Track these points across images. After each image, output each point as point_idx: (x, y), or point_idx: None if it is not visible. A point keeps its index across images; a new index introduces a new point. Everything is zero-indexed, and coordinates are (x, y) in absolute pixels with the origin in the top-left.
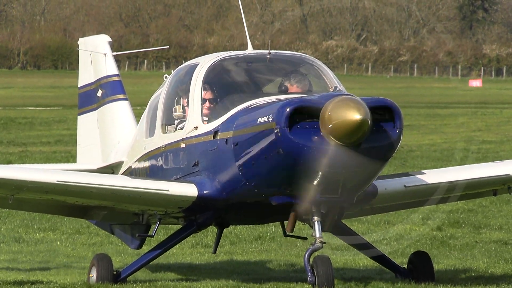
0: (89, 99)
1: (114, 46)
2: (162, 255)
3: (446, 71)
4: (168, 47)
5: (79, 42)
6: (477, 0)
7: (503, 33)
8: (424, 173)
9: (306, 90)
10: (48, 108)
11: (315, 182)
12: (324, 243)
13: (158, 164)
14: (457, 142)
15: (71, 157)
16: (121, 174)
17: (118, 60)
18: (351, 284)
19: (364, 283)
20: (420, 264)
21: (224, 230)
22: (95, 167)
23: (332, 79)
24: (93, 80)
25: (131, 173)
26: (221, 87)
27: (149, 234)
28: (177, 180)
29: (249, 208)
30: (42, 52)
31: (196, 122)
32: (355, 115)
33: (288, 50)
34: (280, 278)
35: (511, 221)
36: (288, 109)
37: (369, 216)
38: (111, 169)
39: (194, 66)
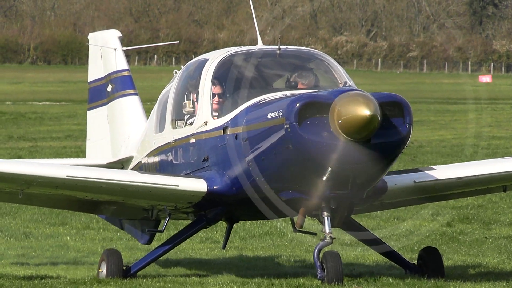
0: (99, 94)
1: (124, 41)
2: (172, 250)
3: (456, 67)
4: (178, 42)
5: (89, 37)
6: None
7: None
8: (434, 169)
9: (315, 85)
10: (58, 103)
11: (325, 178)
12: (334, 238)
13: (168, 159)
14: (467, 138)
15: (81, 152)
16: (131, 169)
17: (128, 55)
18: (360, 280)
19: (373, 278)
20: (430, 260)
21: (234, 225)
22: (105, 162)
23: (342, 74)
24: (103, 75)
25: (141, 168)
26: (231, 83)
27: (158, 229)
28: (187, 175)
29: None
30: (52, 47)
31: (206, 117)
32: (364, 111)
33: (298, 46)
34: (290, 273)
35: None
36: (298, 105)
37: (378, 212)
38: (121, 164)
39: (204, 62)
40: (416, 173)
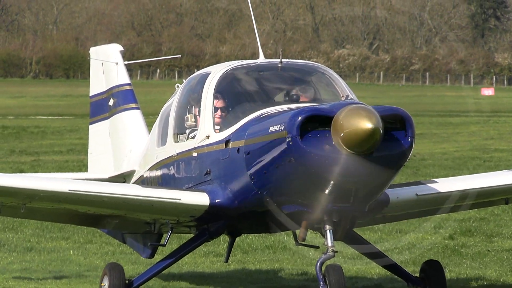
0: (100, 108)
1: (126, 55)
2: (174, 264)
3: (458, 80)
4: (180, 56)
5: (90, 51)
6: (489, 8)
7: None
8: (436, 182)
9: (317, 99)
10: (60, 117)
11: (327, 191)
12: (336, 252)
13: (170, 173)
14: (469, 150)
15: (83, 166)
16: (133, 183)
17: (130, 69)
18: None
19: None
20: (432, 273)
21: (236, 239)
22: (106, 176)
23: (343, 87)
24: (104, 89)
25: (143, 182)
26: (233, 96)
27: (161, 243)
28: (189, 189)
29: (261, 217)
30: (54, 61)
31: (208, 131)
32: (366, 124)
33: (300, 59)
34: (292, 287)
35: None
36: (300, 118)
37: (381, 225)
38: (123, 178)
39: (206, 75)
40: (418, 186)
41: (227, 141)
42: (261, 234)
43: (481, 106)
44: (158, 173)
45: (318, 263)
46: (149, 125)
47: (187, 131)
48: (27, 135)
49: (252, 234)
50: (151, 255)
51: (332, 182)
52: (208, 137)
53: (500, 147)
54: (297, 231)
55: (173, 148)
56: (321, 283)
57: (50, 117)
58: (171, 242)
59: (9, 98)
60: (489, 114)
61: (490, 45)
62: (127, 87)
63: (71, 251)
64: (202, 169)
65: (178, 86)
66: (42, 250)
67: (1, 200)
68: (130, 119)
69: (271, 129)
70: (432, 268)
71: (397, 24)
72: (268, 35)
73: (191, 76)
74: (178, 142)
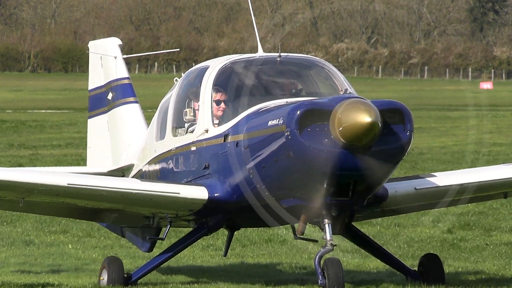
0: (99, 102)
1: (124, 49)
2: (173, 258)
3: (457, 74)
4: (179, 49)
5: (89, 45)
6: (488, 2)
7: None
8: (435, 176)
9: (316, 93)
10: (59, 111)
11: (326, 185)
12: (335, 245)
13: (169, 167)
14: (467, 144)
15: (81, 160)
16: (132, 177)
17: (128, 63)
18: (361, 287)
19: (374, 285)
20: (430, 266)
21: (235, 232)
22: (105, 170)
23: (342, 81)
24: (103, 83)
25: (142, 176)
26: (232, 90)
27: (159, 237)
28: (187, 183)
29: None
30: (53, 55)
31: (206, 125)
32: (365, 118)
33: (299, 53)
34: (291, 280)
35: None
36: (298, 112)
37: (379, 219)
38: (122, 172)
39: (205, 69)
40: (417, 180)
41: (225, 135)
42: (260, 228)
43: (480, 100)
44: (157, 167)
45: (317, 257)
46: (148, 119)
47: (186, 125)
48: (25, 129)
49: (250, 228)
50: (150, 249)
51: (330, 176)
52: (206, 131)
53: (499, 141)
54: (296, 225)
55: (171, 142)
56: (320, 276)
57: (48, 111)
58: (170, 236)
59: (7, 91)
60: (487, 108)
61: (488, 39)
62: (126, 81)
63: (70, 245)
64: (201, 163)
65: (176, 80)
66: (40, 244)
67: None
68: (129, 113)
69: (270, 123)
70: (430, 262)
71: (396, 18)
72: (266, 29)
73: (190, 70)
74: (176, 136)
